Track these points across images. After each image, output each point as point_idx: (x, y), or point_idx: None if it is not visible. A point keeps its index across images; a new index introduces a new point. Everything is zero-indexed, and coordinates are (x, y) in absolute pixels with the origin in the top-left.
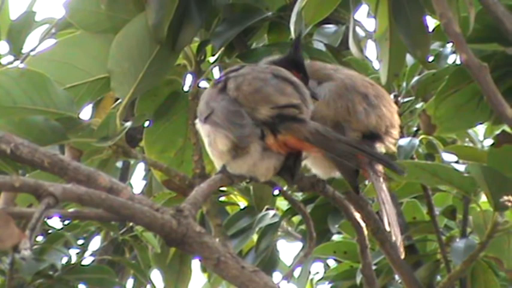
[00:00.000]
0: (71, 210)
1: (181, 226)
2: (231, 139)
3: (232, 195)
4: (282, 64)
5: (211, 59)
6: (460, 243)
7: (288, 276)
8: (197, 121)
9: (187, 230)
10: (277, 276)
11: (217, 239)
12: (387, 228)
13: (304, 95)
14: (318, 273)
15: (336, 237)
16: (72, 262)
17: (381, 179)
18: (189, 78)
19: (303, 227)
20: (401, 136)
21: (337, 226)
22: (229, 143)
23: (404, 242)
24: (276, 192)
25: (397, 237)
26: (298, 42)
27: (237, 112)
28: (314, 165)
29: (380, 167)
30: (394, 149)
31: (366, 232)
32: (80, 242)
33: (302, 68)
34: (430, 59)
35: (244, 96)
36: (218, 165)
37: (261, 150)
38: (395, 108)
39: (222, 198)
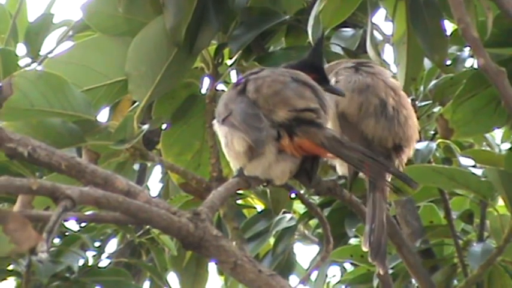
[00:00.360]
0: (88, 213)
1: (198, 230)
2: (248, 142)
3: (249, 198)
4: (300, 67)
5: (229, 62)
6: (477, 247)
7: (305, 280)
8: (215, 122)
9: (204, 234)
10: (294, 280)
11: (234, 243)
12: (364, 248)
13: (322, 99)
14: (334, 276)
15: (353, 241)
16: (89, 264)
17: (378, 196)
18: (206, 81)
19: (319, 230)
20: (419, 140)
21: (354, 230)
22: (245, 145)
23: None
24: (293, 195)
25: (372, 260)
26: (319, 45)
27: (255, 115)
28: None
29: (386, 185)
30: (400, 168)
31: None
32: (97, 244)
33: (322, 71)
34: (448, 63)
35: (264, 98)
36: (235, 168)
37: (275, 152)
38: (412, 124)
39: (239, 202)
